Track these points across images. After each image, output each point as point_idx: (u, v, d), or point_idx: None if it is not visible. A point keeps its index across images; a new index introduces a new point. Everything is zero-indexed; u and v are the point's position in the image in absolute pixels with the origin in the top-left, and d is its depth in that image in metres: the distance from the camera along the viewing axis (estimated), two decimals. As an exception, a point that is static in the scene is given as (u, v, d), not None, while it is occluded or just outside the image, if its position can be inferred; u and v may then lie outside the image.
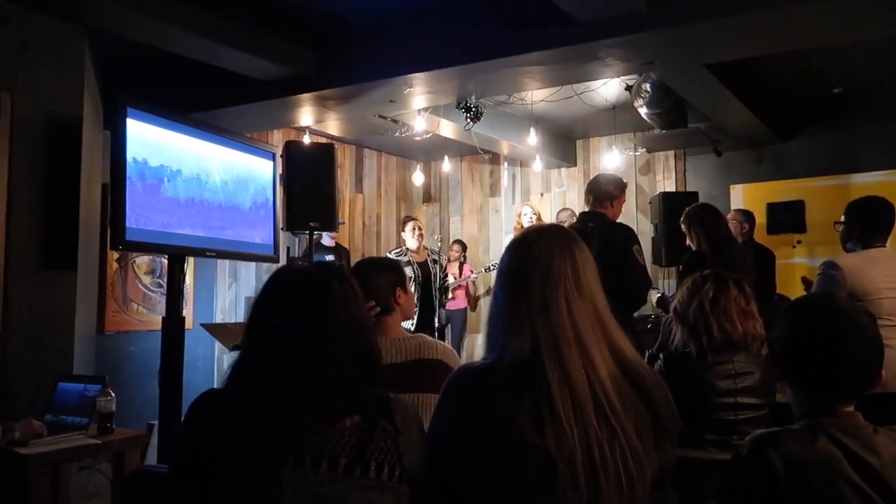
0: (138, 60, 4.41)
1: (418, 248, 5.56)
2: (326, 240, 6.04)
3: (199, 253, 3.58)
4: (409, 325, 5.51)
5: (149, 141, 3.29)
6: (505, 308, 1.28)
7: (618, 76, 4.34)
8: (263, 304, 1.28)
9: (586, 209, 3.47)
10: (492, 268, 6.27)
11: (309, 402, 1.19)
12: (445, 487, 1.24)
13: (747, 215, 5.07)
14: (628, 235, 3.33)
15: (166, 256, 3.63)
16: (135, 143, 3.20)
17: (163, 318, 3.60)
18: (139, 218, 3.20)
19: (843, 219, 3.01)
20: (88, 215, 4.03)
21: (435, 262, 5.76)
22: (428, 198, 8.15)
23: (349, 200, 7.17)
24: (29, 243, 3.37)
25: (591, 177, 7.11)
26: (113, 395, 2.91)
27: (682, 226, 3.44)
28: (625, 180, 3.68)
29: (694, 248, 3.39)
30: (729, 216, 5.03)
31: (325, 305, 1.23)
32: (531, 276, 1.26)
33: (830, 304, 1.31)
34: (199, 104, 4.64)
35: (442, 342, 2.20)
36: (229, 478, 1.15)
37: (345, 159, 7.18)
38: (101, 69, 4.22)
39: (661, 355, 2.16)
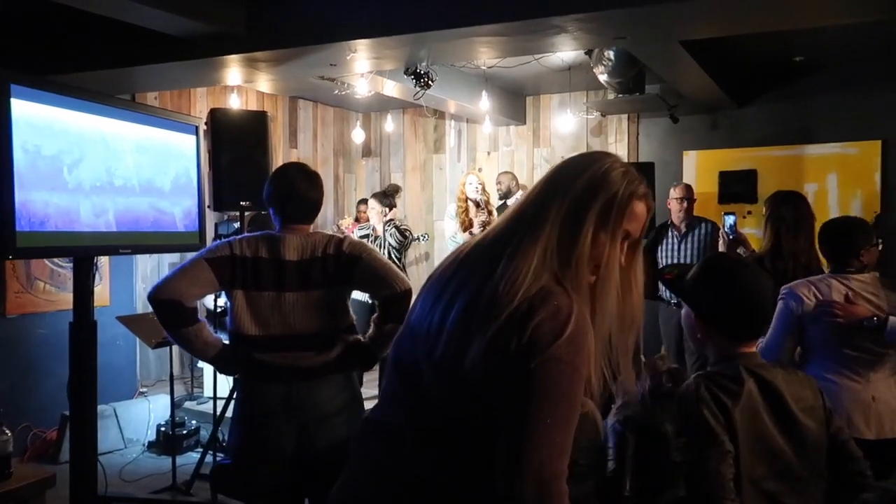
0: (31, 16, 3.74)
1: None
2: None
3: (112, 251, 3.11)
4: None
5: (41, 125, 2.74)
6: None
7: (584, 49, 3.97)
8: None
9: None
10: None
11: None
12: None
13: (688, 190, 4.84)
14: None
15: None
16: (24, 127, 2.66)
17: (70, 323, 3.14)
18: (34, 218, 2.69)
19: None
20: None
21: (401, 230, 5.43)
22: (367, 152, 7.65)
23: (282, 157, 6.63)
24: None
25: (541, 136, 6.90)
26: (9, 433, 2.48)
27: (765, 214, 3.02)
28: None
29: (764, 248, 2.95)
30: (674, 195, 4.80)
31: None
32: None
33: (740, 262, 1.78)
34: (107, 62, 4.02)
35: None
36: None
37: (277, 112, 6.60)
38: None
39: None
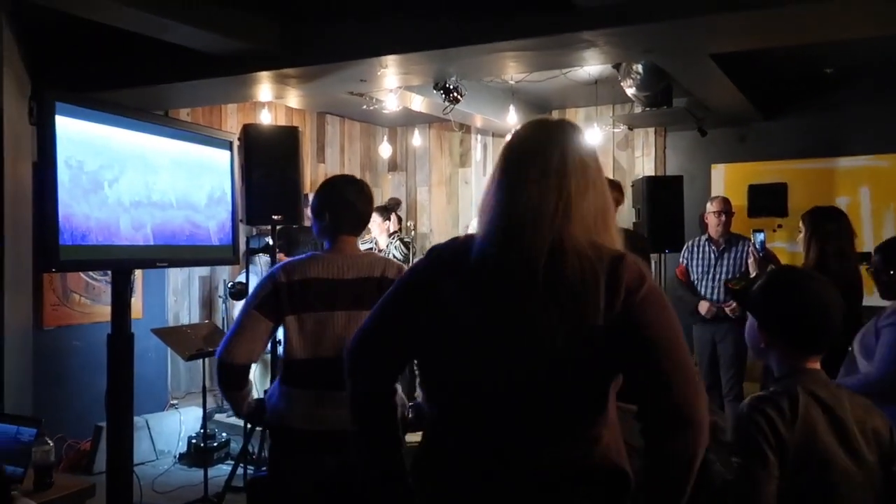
0: (71, 34, 3.84)
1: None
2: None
3: (149, 264, 3.17)
4: None
5: (84, 140, 2.82)
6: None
7: (613, 63, 3.98)
8: None
9: None
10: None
11: None
12: None
13: (726, 203, 4.80)
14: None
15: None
16: (68, 144, 2.74)
17: (108, 335, 3.20)
18: (76, 232, 2.76)
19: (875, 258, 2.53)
20: (16, 202, 3.57)
21: (405, 242, 5.52)
22: (394, 166, 7.72)
23: (310, 171, 6.70)
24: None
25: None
26: (51, 444, 2.53)
27: (801, 229, 3.06)
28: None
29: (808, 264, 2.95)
30: (711, 209, 4.76)
31: None
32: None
33: (808, 274, 1.68)
34: (142, 79, 4.11)
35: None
36: None
37: (306, 127, 6.68)
38: (28, 46, 3.65)
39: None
